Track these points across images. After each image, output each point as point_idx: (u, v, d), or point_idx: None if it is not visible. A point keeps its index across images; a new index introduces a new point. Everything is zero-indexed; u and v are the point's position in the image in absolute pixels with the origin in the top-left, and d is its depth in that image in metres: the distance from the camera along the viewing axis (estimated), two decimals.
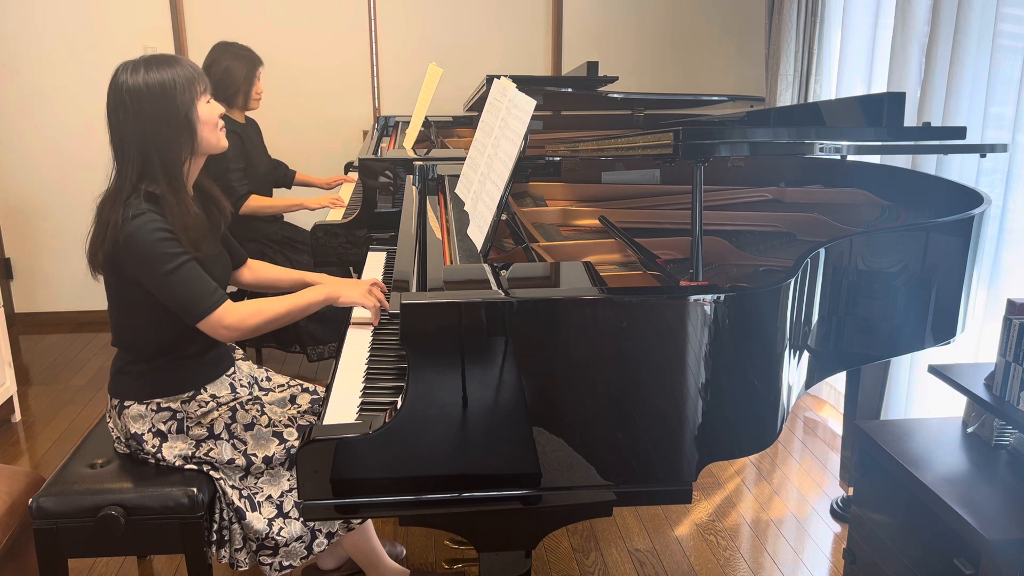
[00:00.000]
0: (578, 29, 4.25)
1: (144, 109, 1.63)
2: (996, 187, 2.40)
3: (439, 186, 2.41)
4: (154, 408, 1.78)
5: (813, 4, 3.28)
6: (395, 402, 1.34)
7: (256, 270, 2.06)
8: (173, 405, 1.79)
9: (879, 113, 1.87)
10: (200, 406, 1.81)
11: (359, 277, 2.35)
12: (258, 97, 3.24)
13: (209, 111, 1.72)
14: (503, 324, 1.27)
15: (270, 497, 1.79)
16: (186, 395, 1.81)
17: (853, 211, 2.29)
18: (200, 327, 1.67)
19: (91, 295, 4.28)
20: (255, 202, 3.24)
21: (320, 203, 3.36)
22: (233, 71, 3.09)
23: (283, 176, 3.65)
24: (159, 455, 1.77)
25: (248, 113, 3.31)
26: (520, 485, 1.34)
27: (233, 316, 1.67)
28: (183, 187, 1.70)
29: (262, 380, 1.99)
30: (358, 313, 1.93)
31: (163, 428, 1.78)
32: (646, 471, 1.35)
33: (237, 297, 3.20)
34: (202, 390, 1.83)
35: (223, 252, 1.88)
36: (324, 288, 1.80)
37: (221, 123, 1.76)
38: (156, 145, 1.64)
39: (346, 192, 3.53)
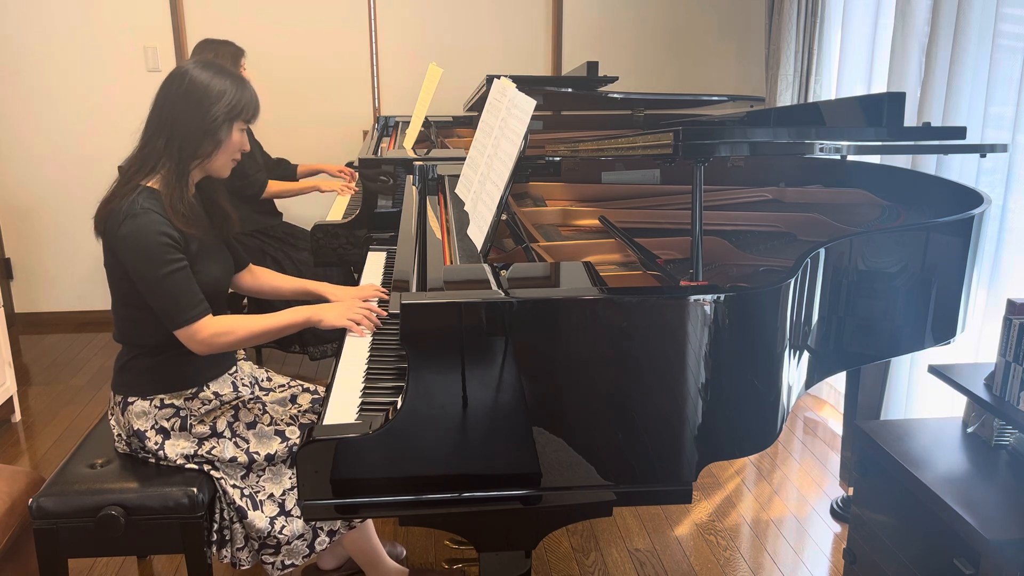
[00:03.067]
0: (578, 29, 4.24)
1: (191, 98, 1.70)
2: (996, 187, 2.40)
3: (439, 186, 2.41)
4: (157, 404, 1.79)
5: (813, 4, 3.28)
6: (395, 402, 1.34)
7: (258, 276, 2.06)
8: (176, 402, 1.80)
9: (879, 113, 1.86)
10: (203, 403, 1.82)
11: (359, 277, 2.35)
12: None
13: (238, 140, 1.76)
14: (503, 324, 1.27)
15: (272, 495, 1.79)
16: (189, 392, 1.82)
17: (853, 211, 2.29)
18: (177, 335, 1.71)
19: (91, 295, 4.29)
20: (274, 187, 3.35)
21: (332, 187, 3.43)
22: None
23: (284, 172, 3.66)
24: (161, 452, 1.78)
25: None
26: (520, 485, 1.34)
27: (207, 332, 1.71)
28: (186, 180, 1.74)
29: (263, 380, 1.99)
30: None
31: (166, 425, 1.79)
32: (646, 471, 1.35)
33: (237, 299, 3.23)
34: (205, 387, 1.84)
35: (225, 251, 1.89)
36: (305, 311, 1.81)
37: (238, 156, 1.81)
38: (182, 131, 1.70)
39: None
